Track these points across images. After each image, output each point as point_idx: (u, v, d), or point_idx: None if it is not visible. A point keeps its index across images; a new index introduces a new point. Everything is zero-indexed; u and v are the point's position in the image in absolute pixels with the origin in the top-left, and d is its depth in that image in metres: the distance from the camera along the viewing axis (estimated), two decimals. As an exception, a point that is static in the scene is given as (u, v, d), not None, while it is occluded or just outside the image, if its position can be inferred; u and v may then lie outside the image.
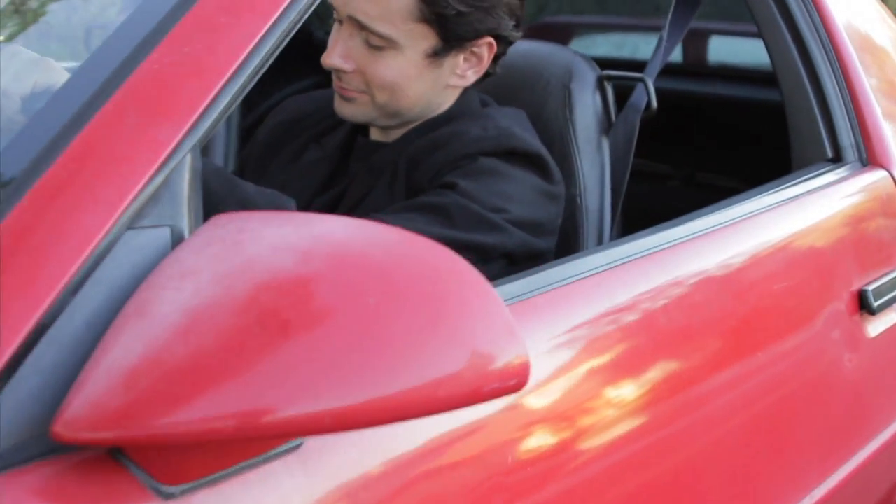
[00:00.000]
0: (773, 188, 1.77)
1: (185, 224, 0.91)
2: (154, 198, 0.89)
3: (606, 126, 1.91)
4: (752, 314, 1.58)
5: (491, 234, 1.48)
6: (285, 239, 0.84)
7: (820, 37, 1.93)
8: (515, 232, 1.51)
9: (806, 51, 1.93)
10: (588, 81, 1.91)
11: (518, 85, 1.94)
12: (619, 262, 1.40)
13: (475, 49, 1.59)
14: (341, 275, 0.81)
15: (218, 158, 2.38)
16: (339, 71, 1.54)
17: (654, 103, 1.88)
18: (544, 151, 1.63)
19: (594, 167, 1.89)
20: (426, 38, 1.53)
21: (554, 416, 1.22)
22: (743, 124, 2.86)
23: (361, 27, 1.50)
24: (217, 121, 0.96)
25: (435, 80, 1.58)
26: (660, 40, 2.01)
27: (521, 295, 1.24)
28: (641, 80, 1.90)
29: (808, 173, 1.86)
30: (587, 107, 1.90)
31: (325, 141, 1.70)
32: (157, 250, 0.88)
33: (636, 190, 3.05)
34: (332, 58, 1.53)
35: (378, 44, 1.51)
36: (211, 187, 1.30)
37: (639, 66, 2.03)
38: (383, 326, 0.80)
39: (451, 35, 1.54)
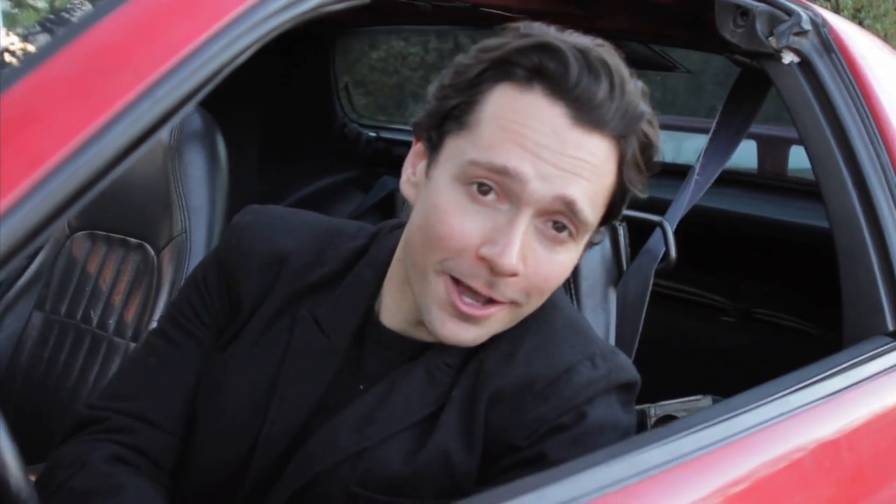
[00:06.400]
0: (813, 376, 1.40)
1: None
2: None
3: (615, 276, 1.58)
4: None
5: None
6: None
7: (888, 183, 1.58)
8: None
9: (870, 197, 1.57)
10: (597, 222, 1.58)
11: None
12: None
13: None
14: None
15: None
16: (499, 278, 1.13)
17: (673, 253, 1.55)
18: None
19: (596, 326, 1.55)
20: (595, 225, 1.19)
21: None
22: (819, 256, 2.48)
23: (559, 212, 1.13)
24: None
25: None
26: (690, 173, 1.67)
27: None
28: (660, 224, 1.57)
29: (863, 353, 1.49)
30: (592, 252, 1.56)
31: (324, 317, 1.26)
32: None
33: (683, 324, 2.71)
34: (512, 259, 1.10)
35: (565, 232, 1.14)
36: None
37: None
38: None
39: (608, 220, 1.21)
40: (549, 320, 1.23)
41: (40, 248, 2.37)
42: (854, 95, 1.61)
